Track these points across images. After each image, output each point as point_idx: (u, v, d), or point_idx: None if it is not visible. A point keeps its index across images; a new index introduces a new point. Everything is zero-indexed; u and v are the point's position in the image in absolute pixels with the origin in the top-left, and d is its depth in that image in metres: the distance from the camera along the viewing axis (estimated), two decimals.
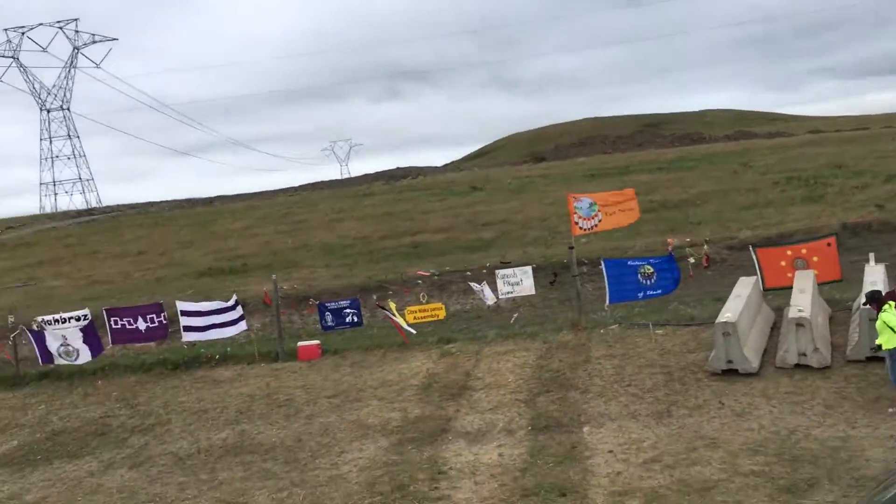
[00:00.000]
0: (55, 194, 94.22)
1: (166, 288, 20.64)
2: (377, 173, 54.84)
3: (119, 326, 14.40)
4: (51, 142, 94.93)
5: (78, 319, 14.57)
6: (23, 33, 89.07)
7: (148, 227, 36.68)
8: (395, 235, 24.99)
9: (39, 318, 14.72)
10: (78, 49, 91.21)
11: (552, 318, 15.12)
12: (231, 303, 14.23)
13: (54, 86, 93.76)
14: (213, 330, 14.14)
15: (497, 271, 13.71)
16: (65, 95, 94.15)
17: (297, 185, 55.30)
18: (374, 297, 15.09)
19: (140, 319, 14.36)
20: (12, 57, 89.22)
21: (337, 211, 34.10)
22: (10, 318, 14.69)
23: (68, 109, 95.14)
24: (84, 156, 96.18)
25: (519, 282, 13.46)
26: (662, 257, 13.01)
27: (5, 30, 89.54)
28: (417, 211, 30.31)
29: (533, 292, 13.72)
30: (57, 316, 14.70)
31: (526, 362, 12.13)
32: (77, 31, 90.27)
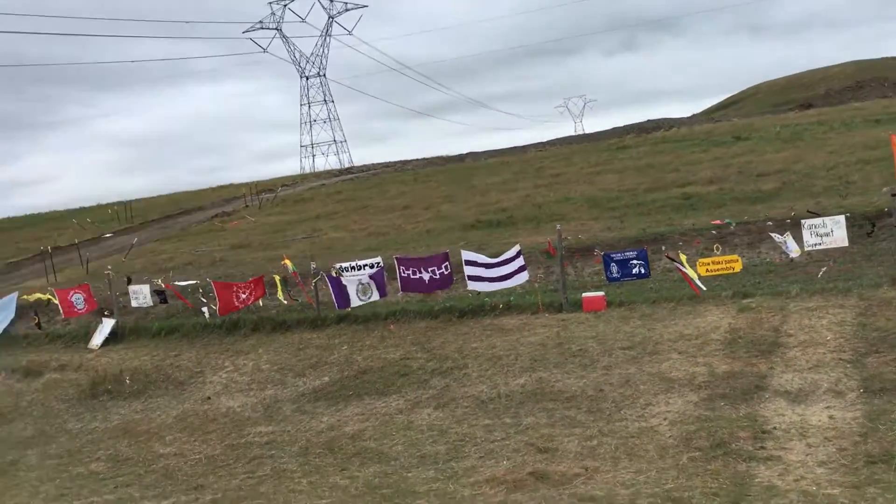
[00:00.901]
0: (313, 156, 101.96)
1: (437, 240, 21.35)
2: (626, 126, 53.21)
3: (406, 275, 15.02)
4: (309, 107, 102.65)
5: (371, 267, 15.42)
6: (285, 5, 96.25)
7: (409, 183, 38.38)
8: (661, 188, 24.00)
9: (337, 265, 15.76)
10: (332, 17, 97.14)
11: (860, 273, 13.66)
12: (513, 253, 14.30)
13: (312, 53, 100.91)
14: (498, 282, 14.31)
15: (803, 221, 12.53)
16: (321, 62, 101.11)
17: (543, 140, 55.24)
18: (663, 248, 14.47)
19: (427, 269, 14.87)
20: (276, 28, 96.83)
21: (592, 164, 33.49)
22: (313, 265, 15.85)
23: (324, 76, 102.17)
24: (338, 119, 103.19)
25: (829, 232, 12.21)
26: None
27: (269, 3, 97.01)
28: (681, 162, 28.92)
29: (846, 244, 12.40)
30: (353, 263, 15.66)
31: (844, 320, 11.01)
32: (332, 1, 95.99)
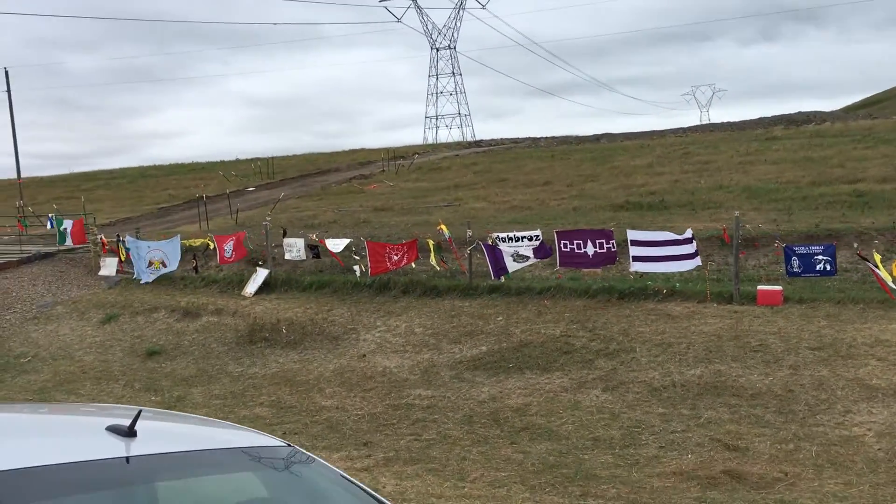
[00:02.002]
0: (436, 127, 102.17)
1: (586, 217, 20.76)
2: (774, 117, 50.46)
3: (568, 250, 14.58)
4: (437, 78, 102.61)
5: (530, 239, 15.08)
6: None
7: (546, 159, 37.71)
8: (827, 182, 22.49)
9: (494, 235, 15.49)
10: None
11: None
12: (685, 236, 13.62)
13: (444, 26, 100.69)
14: (666, 262, 13.70)
15: None
16: (453, 35, 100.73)
17: (679, 126, 53.17)
18: (855, 245, 13.45)
19: (589, 244, 14.40)
20: None
21: (742, 154, 31.85)
22: (468, 233, 15.65)
23: (454, 48, 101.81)
24: (464, 93, 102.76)
25: None
26: None
27: None
28: (844, 158, 27.04)
29: None
30: (511, 234, 15.35)
31: None
32: None
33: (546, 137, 62.41)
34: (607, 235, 14.25)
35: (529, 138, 67.99)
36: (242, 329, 15.36)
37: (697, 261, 13.54)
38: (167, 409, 11.75)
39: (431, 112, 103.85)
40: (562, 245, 14.62)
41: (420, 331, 14.01)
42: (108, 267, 21.11)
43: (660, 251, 13.73)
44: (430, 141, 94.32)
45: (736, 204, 20.66)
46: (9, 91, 48.48)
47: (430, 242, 16.30)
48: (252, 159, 53.22)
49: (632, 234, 14.02)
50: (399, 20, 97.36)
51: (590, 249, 14.40)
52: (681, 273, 14.62)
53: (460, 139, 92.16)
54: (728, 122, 51.83)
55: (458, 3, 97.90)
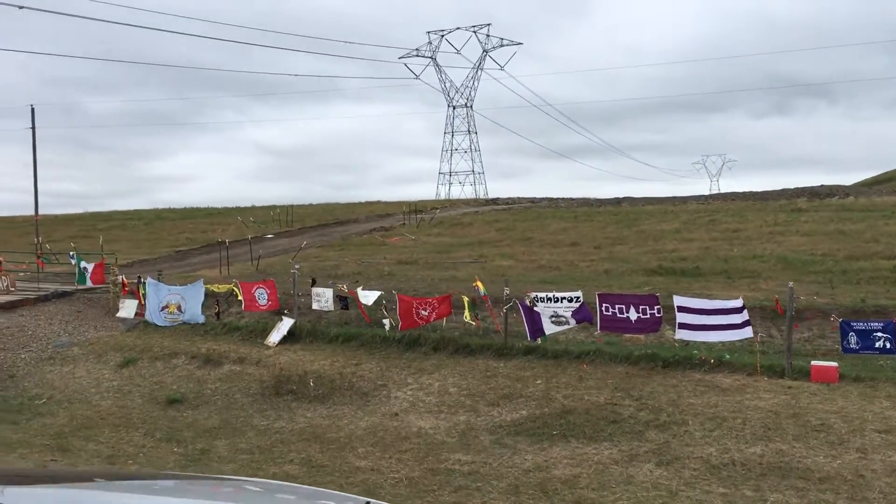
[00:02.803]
0: (450, 184, 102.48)
1: (619, 281, 20.30)
2: (796, 189, 50.30)
3: (609, 313, 14.10)
4: (452, 135, 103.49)
5: (570, 300, 14.60)
6: (442, 36, 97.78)
7: (569, 220, 37.45)
8: (865, 256, 22.04)
9: (532, 294, 15.02)
10: (487, 52, 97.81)
11: None
12: (735, 304, 13.12)
13: (462, 85, 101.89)
14: (713, 331, 13.18)
15: None
16: (470, 94, 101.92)
17: (704, 194, 53.01)
18: None
19: (632, 309, 13.91)
20: (431, 57, 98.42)
21: (770, 224, 31.53)
22: (506, 291, 15.17)
23: (471, 107, 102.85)
24: (479, 150, 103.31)
25: None
26: None
27: (428, 32, 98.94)
28: (877, 233, 26.66)
29: None
30: (550, 294, 14.88)
31: None
32: (488, 36, 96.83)
33: (565, 198, 62.40)
34: (652, 301, 13.76)
35: (546, 198, 68.06)
36: (267, 380, 14.81)
37: (748, 331, 13.02)
38: (190, 461, 11.17)
39: (445, 168, 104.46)
40: (603, 308, 14.14)
41: (455, 391, 13.44)
42: (127, 309, 20.64)
43: (708, 319, 13.23)
44: (442, 196, 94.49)
45: (773, 274, 20.20)
46: (33, 128, 48.71)
47: (465, 299, 15.82)
48: (270, 206, 53.23)
49: (678, 301, 13.53)
50: (418, 77, 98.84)
51: (632, 314, 13.92)
52: (722, 343, 14.12)
53: (473, 196, 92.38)
54: (750, 192, 51.66)
55: (477, 64, 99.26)
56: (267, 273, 25.10)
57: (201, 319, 19.18)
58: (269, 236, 38.51)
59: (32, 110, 48.35)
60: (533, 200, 66.12)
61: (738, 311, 13.03)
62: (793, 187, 50.41)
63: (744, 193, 51.05)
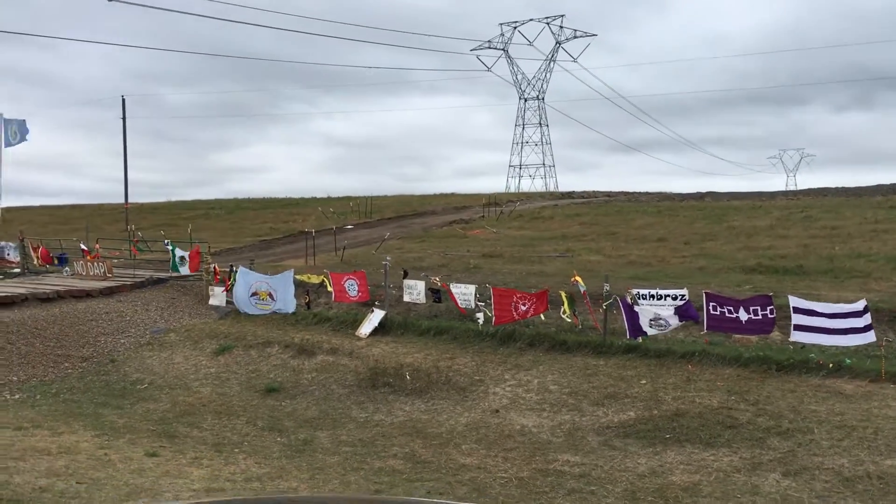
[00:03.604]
0: (520, 177, 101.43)
1: (716, 278, 19.57)
2: (891, 185, 48.06)
3: (717, 313, 13.52)
4: (524, 128, 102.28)
5: (674, 298, 14.06)
6: (514, 27, 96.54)
7: (653, 214, 36.55)
8: None
9: (633, 291, 14.53)
10: (560, 44, 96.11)
11: None
12: (857, 307, 12.40)
13: (534, 77, 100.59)
14: (833, 335, 12.48)
15: None
16: (542, 86, 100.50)
17: (792, 189, 51.16)
18: None
19: (742, 309, 13.30)
20: (503, 49, 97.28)
21: (871, 221, 30.07)
22: (606, 287, 14.72)
23: (543, 100, 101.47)
24: (550, 143, 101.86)
25: None
26: None
27: (500, 24, 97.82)
28: None
29: None
30: (652, 291, 14.37)
31: None
32: (562, 27, 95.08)
33: (645, 192, 61.11)
34: (764, 302, 13.12)
35: (623, 192, 66.83)
36: (363, 372, 14.72)
37: (871, 335, 12.29)
38: (295, 452, 11.10)
39: (516, 161, 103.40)
40: (710, 307, 13.56)
41: (555, 388, 13.08)
42: (218, 297, 20.90)
43: (827, 322, 12.54)
44: (513, 189, 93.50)
45: (884, 274, 19.18)
46: (124, 118, 50.31)
47: (564, 294, 15.43)
48: (347, 197, 53.60)
49: (795, 302, 12.86)
50: (489, 69, 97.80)
51: (742, 315, 13.30)
52: (836, 346, 13.37)
53: (543, 189, 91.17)
54: (842, 188, 49.62)
55: (550, 55, 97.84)
56: (351, 264, 25.14)
57: (292, 309, 19.24)
58: (349, 227, 38.70)
59: (123, 101, 49.83)
60: (609, 194, 64.95)
61: (858, 314, 12.31)
62: (888, 183, 48.17)
63: (835, 189, 49.08)
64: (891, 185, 47.72)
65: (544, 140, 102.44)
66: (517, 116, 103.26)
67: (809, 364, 12.64)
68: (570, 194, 69.01)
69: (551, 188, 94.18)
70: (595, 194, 66.03)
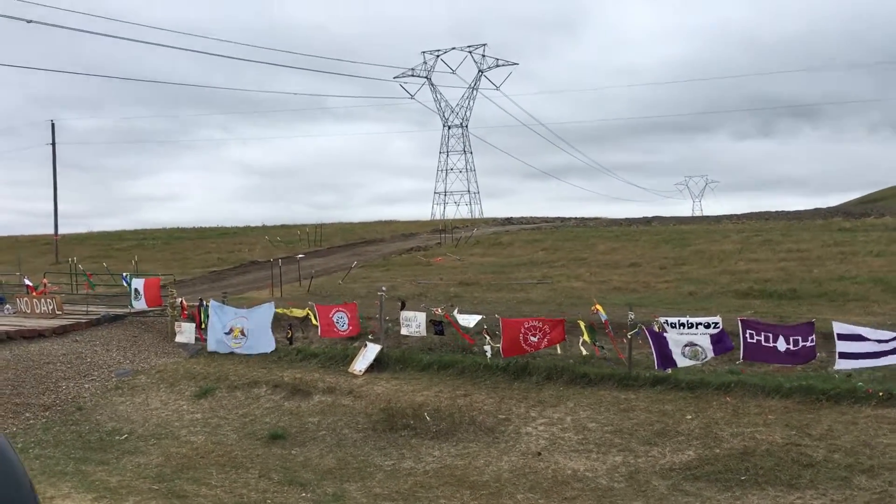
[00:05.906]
0: (444, 203, 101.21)
1: (712, 303, 19.05)
2: (829, 208, 49.51)
3: (754, 341, 12.87)
4: (447, 155, 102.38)
5: (707, 326, 13.37)
6: (437, 56, 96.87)
7: (612, 239, 36.24)
8: None
9: (661, 319, 13.79)
10: (483, 72, 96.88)
11: None
12: None
13: (457, 105, 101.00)
14: (881, 357, 11.96)
15: None
16: (465, 114, 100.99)
17: (736, 213, 52.18)
18: None
19: (781, 338, 12.68)
20: (426, 77, 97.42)
21: (829, 244, 30.36)
22: (630, 315, 13.91)
23: (466, 127, 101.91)
24: (474, 170, 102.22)
25: None
26: None
27: (423, 52, 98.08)
28: None
29: None
30: (683, 319, 13.65)
31: None
32: (484, 56, 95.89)
33: (594, 218, 61.34)
34: (806, 331, 12.52)
35: (559, 217, 67.05)
36: (374, 413, 13.48)
37: None
38: None
39: (441, 188, 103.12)
40: (747, 335, 12.91)
41: (594, 426, 12.13)
42: (186, 333, 19.29)
43: (871, 347, 12.02)
44: (437, 217, 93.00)
45: (879, 297, 19.03)
46: (53, 144, 47.55)
47: (582, 324, 14.56)
48: (298, 225, 51.92)
49: (839, 328, 12.31)
50: (412, 97, 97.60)
51: (781, 344, 12.68)
52: (871, 371, 12.88)
53: (468, 216, 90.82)
54: (784, 212, 50.75)
55: (472, 84, 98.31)
56: (318, 294, 23.79)
57: (271, 347, 17.81)
58: (301, 256, 37.10)
59: (53, 126, 47.10)
60: (546, 220, 64.95)
61: None
62: (825, 207, 49.55)
63: (777, 213, 50.13)
64: (828, 208, 49.14)
65: (468, 167, 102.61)
66: (441, 143, 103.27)
67: (858, 393, 12.06)
68: (509, 220, 68.78)
69: (476, 214, 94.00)
70: (533, 220, 65.95)
